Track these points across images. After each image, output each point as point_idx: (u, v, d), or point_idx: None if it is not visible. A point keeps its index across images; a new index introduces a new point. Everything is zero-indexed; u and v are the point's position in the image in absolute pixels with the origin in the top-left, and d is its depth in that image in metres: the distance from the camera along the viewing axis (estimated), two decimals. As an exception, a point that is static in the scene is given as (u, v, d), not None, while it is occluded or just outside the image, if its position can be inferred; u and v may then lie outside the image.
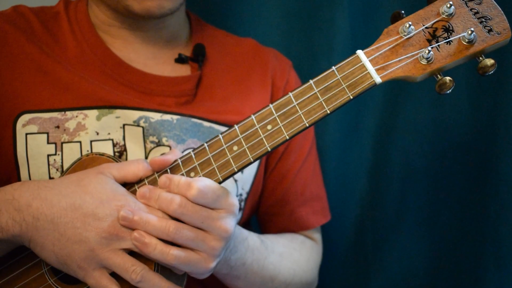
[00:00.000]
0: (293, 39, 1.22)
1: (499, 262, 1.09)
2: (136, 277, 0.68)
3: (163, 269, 0.73)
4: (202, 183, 0.68)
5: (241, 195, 0.93)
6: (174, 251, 0.68)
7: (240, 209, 0.94)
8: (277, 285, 0.91)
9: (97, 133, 0.85)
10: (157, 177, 0.75)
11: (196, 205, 0.68)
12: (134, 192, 0.74)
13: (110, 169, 0.73)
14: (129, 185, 0.75)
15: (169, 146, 0.87)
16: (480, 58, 0.67)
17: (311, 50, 1.21)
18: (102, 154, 0.79)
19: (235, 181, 0.91)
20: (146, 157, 0.86)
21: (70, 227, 0.68)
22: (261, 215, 1.04)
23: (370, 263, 1.22)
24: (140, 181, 0.76)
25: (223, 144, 0.72)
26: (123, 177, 0.73)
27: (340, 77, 0.69)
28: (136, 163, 0.74)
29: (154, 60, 0.93)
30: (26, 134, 0.84)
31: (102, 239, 0.68)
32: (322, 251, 1.06)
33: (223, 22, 1.11)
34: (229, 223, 0.70)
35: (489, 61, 0.66)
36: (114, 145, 0.85)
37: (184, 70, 0.95)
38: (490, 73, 0.67)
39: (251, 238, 0.85)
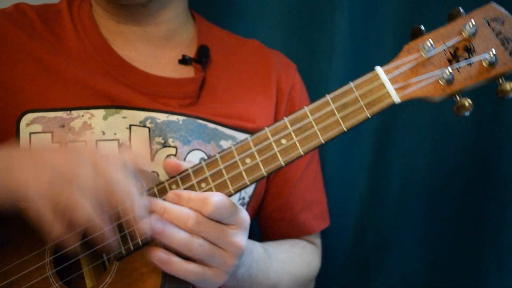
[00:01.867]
0: (293, 39, 1.21)
1: (499, 262, 1.11)
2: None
3: (171, 277, 0.73)
4: (218, 199, 0.67)
5: (243, 198, 0.93)
6: (193, 267, 0.68)
7: None
8: None
9: (104, 133, 0.84)
10: (167, 186, 0.74)
11: (212, 222, 0.67)
12: None
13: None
14: None
15: (175, 147, 0.86)
16: (500, 81, 0.67)
17: (311, 50, 1.20)
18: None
19: None
20: (152, 159, 0.85)
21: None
22: (262, 219, 1.04)
23: (370, 263, 1.22)
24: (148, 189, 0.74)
25: (235, 156, 0.71)
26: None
27: (358, 95, 0.68)
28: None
29: (156, 60, 0.92)
30: (30, 133, 0.82)
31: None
32: (321, 255, 1.07)
33: (223, 22, 1.09)
34: (242, 239, 0.70)
35: (509, 85, 0.66)
36: (120, 146, 0.84)
37: (187, 72, 0.93)
38: (509, 97, 0.66)
39: (256, 249, 0.85)
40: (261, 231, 1.06)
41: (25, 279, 0.78)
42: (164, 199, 0.71)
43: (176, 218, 0.67)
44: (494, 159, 1.11)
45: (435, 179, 1.17)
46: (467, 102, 0.66)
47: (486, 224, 1.12)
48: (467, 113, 0.67)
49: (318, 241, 1.06)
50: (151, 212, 0.69)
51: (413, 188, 1.18)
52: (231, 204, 0.69)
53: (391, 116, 1.18)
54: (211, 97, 0.92)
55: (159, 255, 0.67)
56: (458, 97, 0.68)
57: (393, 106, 1.15)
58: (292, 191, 0.99)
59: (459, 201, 1.15)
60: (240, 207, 0.71)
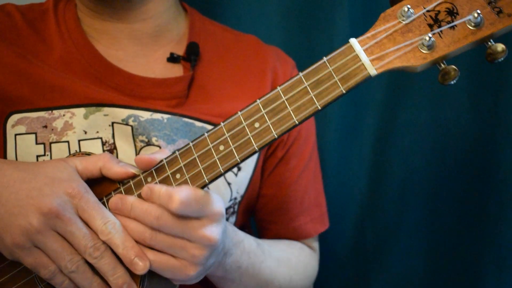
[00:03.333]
0: (293, 39, 1.20)
1: (499, 262, 1.08)
2: (71, 266, 0.65)
3: (151, 277, 0.70)
4: (184, 194, 0.63)
5: (235, 198, 0.89)
6: (150, 255, 0.66)
7: (233, 212, 0.90)
8: None
9: (85, 132, 0.82)
10: (142, 179, 0.71)
11: (173, 217, 0.64)
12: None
13: (74, 160, 0.70)
14: (108, 193, 0.72)
15: (159, 146, 0.83)
16: (489, 43, 0.60)
17: (311, 50, 1.19)
18: (89, 154, 0.75)
19: (229, 184, 0.87)
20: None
21: (13, 198, 0.65)
22: (259, 221, 1.00)
23: (370, 263, 1.21)
24: (120, 186, 0.72)
25: (209, 143, 0.68)
26: (84, 168, 0.70)
27: (332, 69, 0.63)
28: (98, 155, 0.71)
29: (144, 59, 0.89)
30: (16, 135, 0.82)
31: (41, 215, 0.64)
32: (319, 260, 1.02)
33: (223, 22, 1.08)
34: (214, 231, 0.65)
35: (499, 47, 0.59)
36: (103, 144, 0.82)
37: (176, 70, 0.90)
38: (500, 59, 0.60)
39: (247, 241, 0.81)
40: (257, 232, 1.03)
41: (12, 280, 0.78)
42: (140, 193, 0.69)
43: (139, 214, 0.66)
44: (494, 159, 1.09)
45: (435, 179, 1.15)
46: (453, 69, 0.60)
47: (486, 224, 1.10)
48: (452, 82, 0.61)
49: (315, 244, 1.02)
50: (120, 209, 0.67)
51: (413, 188, 1.17)
52: (200, 197, 0.65)
53: (391, 116, 1.17)
54: (200, 96, 0.89)
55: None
56: (442, 65, 0.61)
57: (394, 105, 1.15)
58: (290, 193, 0.95)
59: (459, 201, 1.14)
60: (212, 198, 0.67)
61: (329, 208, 1.03)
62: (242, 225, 0.94)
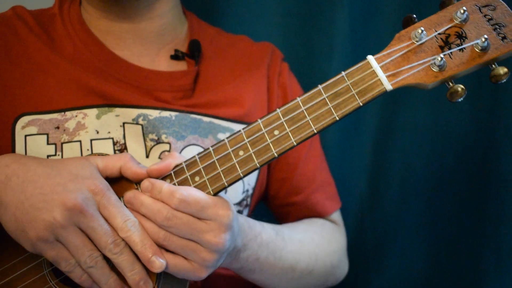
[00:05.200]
0: (293, 39, 1.21)
1: (499, 262, 1.10)
2: (90, 261, 0.68)
3: (166, 275, 0.72)
4: (185, 192, 0.67)
5: (247, 191, 0.92)
6: (165, 255, 0.69)
7: (247, 205, 0.93)
8: (299, 273, 0.89)
9: (97, 132, 0.84)
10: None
11: (182, 218, 0.67)
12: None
13: (95, 158, 0.73)
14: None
15: (169, 143, 0.86)
16: (493, 66, 0.66)
17: (311, 50, 1.20)
18: (105, 155, 0.77)
19: None
20: (147, 156, 0.85)
21: (38, 192, 0.67)
22: (276, 208, 1.03)
23: (370, 263, 1.22)
24: (137, 187, 0.74)
25: (229, 148, 0.71)
26: (105, 166, 0.72)
27: (350, 83, 0.68)
28: (119, 155, 0.73)
29: (149, 57, 0.92)
30: (26, 136, 0.83)
31: (65, 210, 0.66)
32: (345, 232, 1.04)
33: (223, 22, 1.11)
34: (222, 236, 0.69)
35: (502, 70, 0.65)
36: (114, 144, 0.84)
37: (180, 67, 0.94)
38: (503, 81, 0.66)
39: (265, 232, 0.83)
40: (277, 221, 1.04)
41: (22, 277, 0.78)
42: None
43: (149, 213, 0.68)
44: (494, 159, 1.11)
45: (435, 179, 1.17)
46: (460, 88, 0.65)
47: (486, 224, 1.11)
48: (460, 99, 0.66)
49: (337, 218, 1.04)
50: (132, 204, 0.70)
51: (413, 188, 1.18)
52: (203, 198, 0.68)
53: (391, 116, 1.18)
54: (205, 90, 0.92)
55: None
56: (451, 83, 0.67)
57: (394, 106, 1.18)
58: (300, 173, 0.98)
59: (459, 201, 1.15)
60: (222, 201, 0.70)
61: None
62: (251, 214, 0.96)
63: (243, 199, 0.92)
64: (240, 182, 0.90)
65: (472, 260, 1.13)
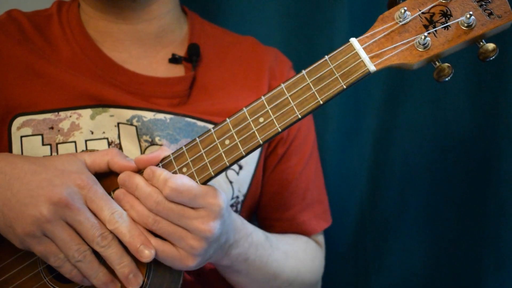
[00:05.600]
0: (293, 39, 1.21)
1: (499, 262, 1.09)
2: (78, 255, 0.67)
3: (157, 265, 0.71)
4: (178, 181, 0.67)
5: (237, 197, 0.91)
6: (153, 241, 0.68)
7: (236, 211, 0.92)
8: (279, 283, 0.89)
9: (92, 132, 0.85)
10: None
11: (171, 204, 0.67)
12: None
13: (83, 154, 0.73)
14: (115, 187, 0.74)
15: (162, 146, 0.85)
16: (481, 43, 0.64)
17: (311, 50, 1.20)
18: (93, 151, 0.78)
19: (230, 182, 0.89)
20: None
21: (24, 188, 0.67)
22: (263, 220, 1.02)
23: (370, 263, 1.21)
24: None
25: (215, 138, 0.70)
26: (93, 161, 0.72)
27: (333, 67, 0.67)
28: (106, 150, 0.74)
29: (147, 60, 0.92)
30: (21, 136, 0.84)
31: (51, 204, 0.66)
32: (325, 254, 1.04)
33: (223, 22, 1.11)
34: (210, 224, 0.68)
35: (490, 46, 0.63)
36: (109, 144, 0.85)
37: (178, 71, 0.93)
38: (491, 58, 0.63)
39: (256, 233, 0.83)
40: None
41: (17, 275, 0.79)
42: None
43: (141, 196, 0.68)
44: (494, 159, 1.10)
45: (435, 179, 1.16)
46: (446, 65, 0.64)
47: (486, 224, 1.10)
48: (447, 78, 0.64)
49: (321, 239, 1.03)
50: (127, 186, 0.70)
51: (413, 188, 1.17)
52: (195, 187, 0.67)
53: (391, 116, 1.18)
54: (201, 95, 0.92)
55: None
56: (437, 63, 0.65)
57: (394, 105, 1.17)
58: (292, 190, 0.97)
59: (459, 201, 1.14)
60: (213, 190, 0.69)
61: (330, 207, 1.05)
62: None
63: (231, 205, 0.91)
64: (229, 188, 0.89)
65: (472, 260, 1.12)
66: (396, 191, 1.19)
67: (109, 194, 0.73)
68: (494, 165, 1.10)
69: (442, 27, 0.65)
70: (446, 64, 0.64)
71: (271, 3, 1.22)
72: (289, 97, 0.68)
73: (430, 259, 1.18)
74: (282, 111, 0.68)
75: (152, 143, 0.86)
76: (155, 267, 0.72)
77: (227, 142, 0.70)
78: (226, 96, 0.93)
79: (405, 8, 0.66)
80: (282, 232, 0.99)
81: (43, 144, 0.84)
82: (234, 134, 0.70)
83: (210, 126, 0.89)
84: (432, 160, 1.16)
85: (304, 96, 0.67)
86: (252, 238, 0.82)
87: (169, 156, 0.73)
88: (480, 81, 1.08)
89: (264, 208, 0.99)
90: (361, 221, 1.21)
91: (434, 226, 1.17)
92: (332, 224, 1.03)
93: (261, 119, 0.69)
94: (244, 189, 0.92)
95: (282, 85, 0.69)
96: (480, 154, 1.12)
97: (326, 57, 0.67)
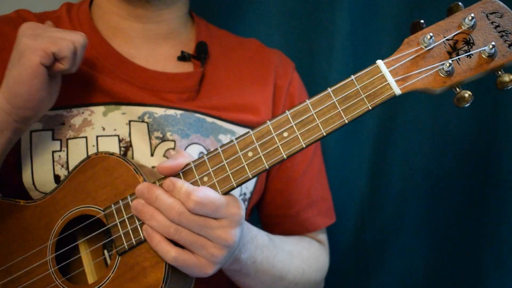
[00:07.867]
0: (293, 39, 1.22)
1: (499, 262, 1.11)
2: None
3: (173, 271, 0.73)
4: (202, 194, 0.68)
5: (245, 194, 0.93)
6: (173, 251, 0.69)
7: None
8: (286, 284, 0.91)
9: (104, 129, 0.85)
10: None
11: (194, 215, 0.68)
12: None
13: None
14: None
15: (174, 141, 0.87)
16: (499, 72, 0.67)
17: (311, 50, 1.21)
18: (112, 154, 0.77)
19: None
20: (152, 154, 0.86)
21: None
22: (266, 217, 1.04)
23: (370, 263, 1.23)
24: None
25: (238, 150, 0.72)
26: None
27: (359, 87, 0.69)
28: None
29: (155, 57, 0.93)
30: (31, 131, 0.84)
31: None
32: (329, 252, 1.06)
33: (224, 22, 1.10)
34: (232, 232, 0.70)
35: (508, 77, 0.66)
36: (120, 141, 0.85)
37: (186, 68, 0.94)
38: (508, 88, 0.67)
39: (260, 236, 0.85)
40: (263, 228, 1.06)
41: (27, 275, 0.79)
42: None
43: (162, 207, 0.69)
44: (494, 159, 1.11)
45: (435, 179, 1.17)
46: (467, 93, 0.67)
47: (486, 224, 1.12)
48: (466, 105, 0.67)
49: (323, 237, 1.05)
50: (147, 198, 0.71)
51: (413, 187, 1.18)
52: (217, 199, 0.69)
53: (391, 116, 1.18)
54: (210, 91, 0.93)
55: (144, 227, 0.71)
56: (458, 89, 0.68)
57: (394, 105, 1.19)
58: (296, 188, 0.99)
59: (459, 201, 1.16)
60: (234, 200, 0.71)
61: (331, 205, 1.05)
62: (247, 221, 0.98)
63: None
64: None
65: (472, 260, 1.14)
66: (396, 191, 1.20)
67: (125, 199, 0.74)
68: (494, 165, 1.11)
69: (465, 55, 0.68)
70: (467, 92, 0.67)
71: (271, 3, 1.22)
72: (314, 114, 0.70)
73: (430, 259, 1.19)
74: (307, 128, 0.70)
75: (163, 139, 0.86)
76: (172, 272, 0.73)
77: (250, 154, 0.71)
78: (234, 93, 0.95)
79: (431, 34, 0.68)
80: (286, 231, 1.01)
81: (53, 139, 0.84)
82: (257, 147, 0.71)
83: (218, 122, 0.91)
84: (432, 160, 1.17)
85: (330, 115, 0.69)
86: (257, 240, 0.84)
87: (189, 163, 0.74)
88: (480, 80, 1.09)
89: (268, 205, 1.01)
90: (361, 221, 1.22)
91: (434, 226, 1.18)
92: (332, 224, 1.05)
93: (285, 134, 0.70)
94: (251, 186, 0.94)
95: (308, 102, 0.70)
96: (480, 154, 1.13)
97: (353, 76, 0.69)
